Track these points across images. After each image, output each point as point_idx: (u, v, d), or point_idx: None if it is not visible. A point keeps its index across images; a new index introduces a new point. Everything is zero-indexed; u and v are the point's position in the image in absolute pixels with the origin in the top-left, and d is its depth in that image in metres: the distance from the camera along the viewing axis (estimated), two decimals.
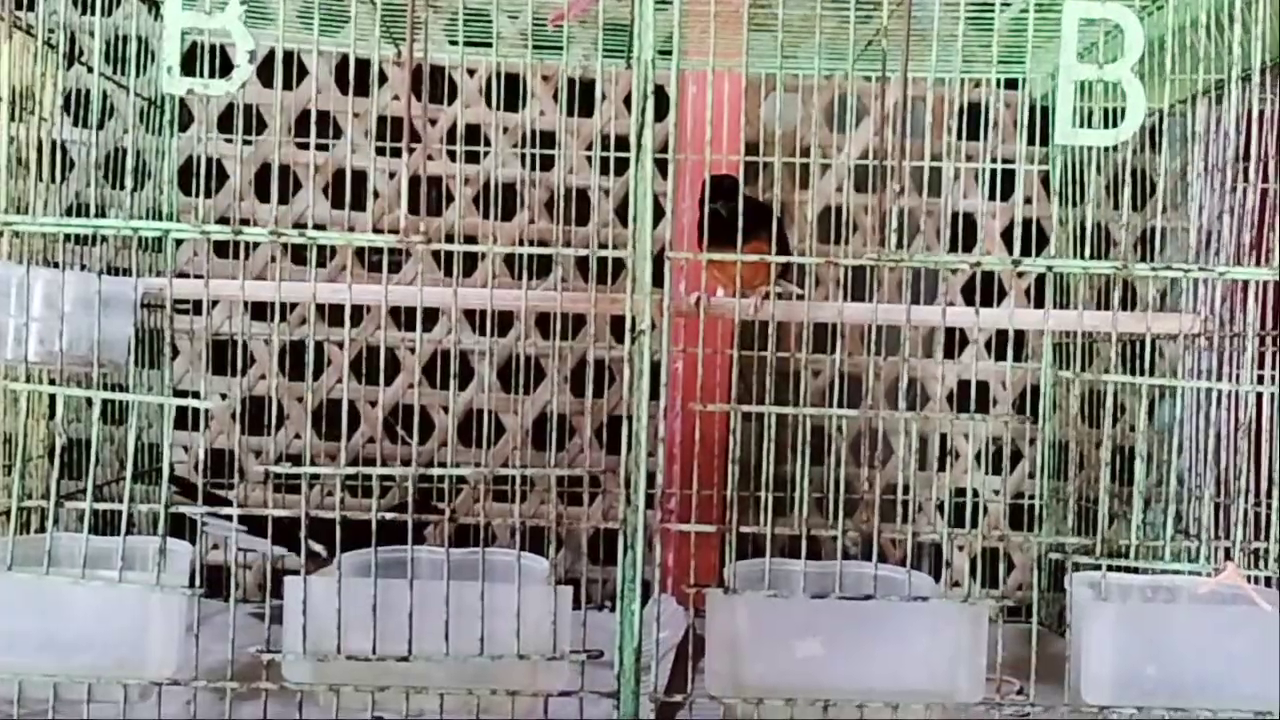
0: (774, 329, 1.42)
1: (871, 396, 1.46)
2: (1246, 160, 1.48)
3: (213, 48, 1.45)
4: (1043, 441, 1.97)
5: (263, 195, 2.08)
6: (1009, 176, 1.99)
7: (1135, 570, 1.41)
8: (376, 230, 1.40)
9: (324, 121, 2.08)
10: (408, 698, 1.31)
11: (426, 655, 1.28)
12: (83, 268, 1.58)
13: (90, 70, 1.72)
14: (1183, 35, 1.42)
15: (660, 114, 1.34)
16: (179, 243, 1.90)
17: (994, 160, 2.02)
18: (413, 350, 2.00)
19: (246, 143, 2.05)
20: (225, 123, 2.08)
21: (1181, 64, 1.45)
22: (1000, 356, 2.01)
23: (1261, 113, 1.49)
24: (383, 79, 2.07)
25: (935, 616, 1.34)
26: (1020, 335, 2.01)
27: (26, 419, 1.33)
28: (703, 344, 1.41)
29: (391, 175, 2.09)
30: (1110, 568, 1.36)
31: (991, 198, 2.07)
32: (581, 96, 2.01)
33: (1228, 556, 1.37)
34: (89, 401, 1.40)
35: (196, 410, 1.58)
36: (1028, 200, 1.99)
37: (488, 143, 2.09)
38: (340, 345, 2.08)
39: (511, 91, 2.03)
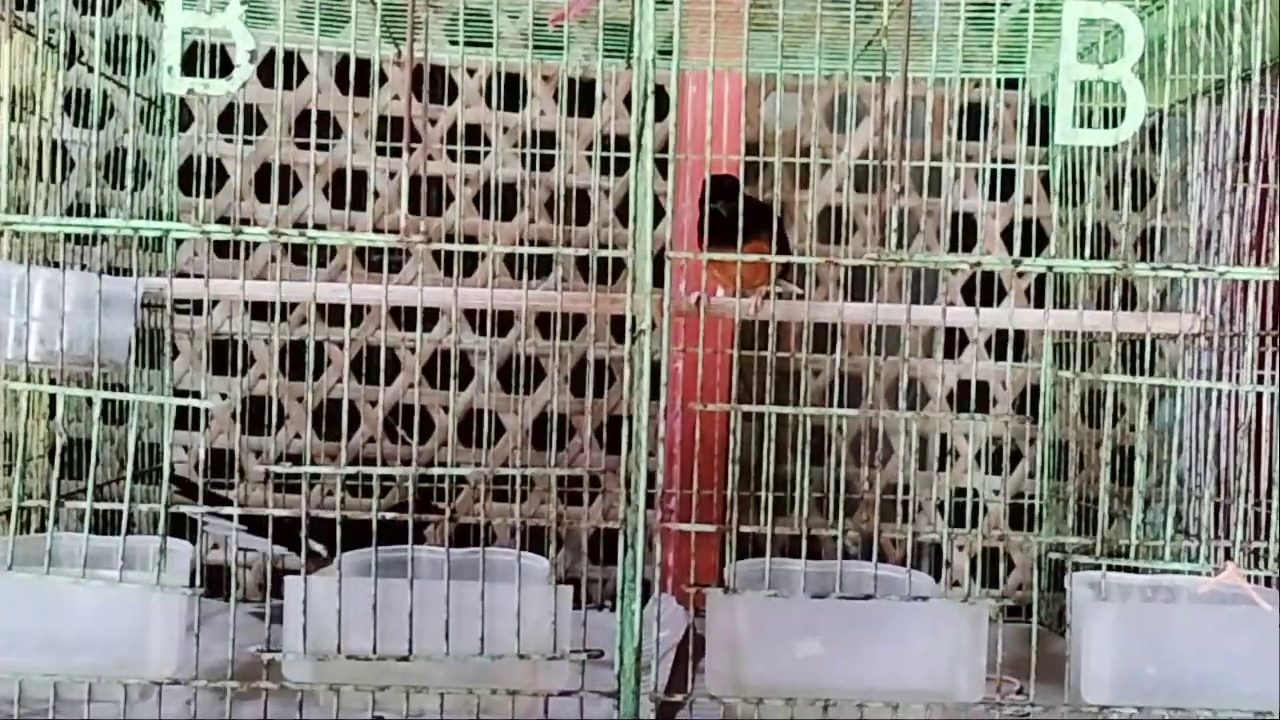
0: (774, 329, 1.42)
1: (871, 396, 1.46)
2: (1246, 160, 1.48)
3: (213, 47, 1.45)
4: (1043, 441, 1.97)
5: (263, 195, 2.08)
6: (1009, 176, 1.99)
7: (1135, 570, 1.41)
8: (377, 230, 1.40)
9: (324, 121, 2.08)
10: (408, 697, 1.31)
11: (427, 655, 1.28)
12: (83, 267, 1.58)
13: (90, 70, 1.72)
14: (1183, 35, 1.42)
15: (660, 114, 1.34)
16: (179, 242, 1.90)
17: (994, 160, 2.02)
18: (413, 350, 2.00)
19: (247, 142, 2.05)
20: (225, 122, 2.08)
21: (1181, 64, 1.45)
22: (1000, 356, 2.01)
23: (1261, 113, 1.49)
24: (383, 79, 2.07)
25: (935, 616, 1.34)
26: (1020, 335, 2.01)
27: (27, 419, 1.33)
28: (703, 344, 1.41)
29: (392, 175, 2.09)
30: (1110, 567, 1.36)
31: (991, 198, 2.07)
32: (582, 96, 2.01)
33: (1228, 556, 1.37)
34: (89, 401, 1.40)
35: (197, 410, 1.58)
36: (1028, 200, 1.99)
37: (488, 143, 2.09)
38: (340, 345, 2.08)
39: (512, 91, 2.03)
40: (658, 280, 1.30)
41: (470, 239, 2.07)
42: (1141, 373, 1.57)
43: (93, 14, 1.63)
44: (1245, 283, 1.42)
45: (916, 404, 2.10)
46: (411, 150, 1.32)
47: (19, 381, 1.32)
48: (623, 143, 1.93)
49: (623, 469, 1.30)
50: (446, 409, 2.01)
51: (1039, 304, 2.02)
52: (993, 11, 1.52)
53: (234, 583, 1.34)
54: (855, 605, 1.33)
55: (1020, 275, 2.10)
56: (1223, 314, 1.58)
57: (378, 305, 1.41)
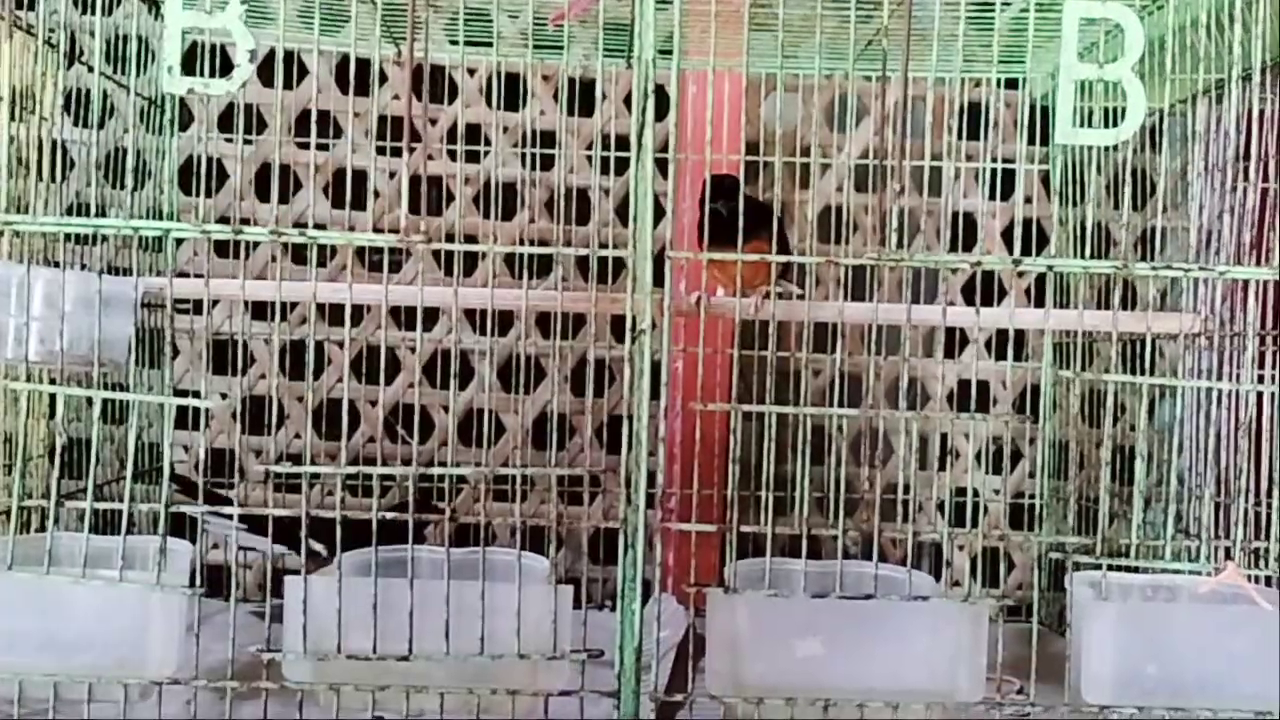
0: (774, 328, 1.42)
1: (872, 396, 1.46)
2: (1247, 160, 1.48)
3: (213, 47, 1.45)
4: (1043, 441, 1.97)
5: (263, 195, 2.08)
6: (1009, 176, 1.99)
7: (1135, 570, 1.41)
8: (377, 230, 1.40)
9: (324, 121, 2.08)
10: (408, 697, 1.31)
11: (427, 655, 1.28)
12: (83, 267, 1.58)
13: (90, 70, 1.72)
14: (1183, 35, 1.42)
15: (660, 114, 1.34)
16: (179, 242, 1.90)
17: (994, 160, 2.02)
18: (413, 350, 2.00)
19: (247, 142, 2.05)
20: (225, 122, 2.08)
21: (1182, 63, 1.45)
22: (1000, 356, 2.01)
23: (1262, 112, 1.49)
24: (383, 78, 2.07)
25: (935, 616, 1.34)
26: (1020, 335, 2.01)
27: (27, 418, 1.33)
28: (703, 343, 1.41)
29: (392, 175, 2.09)
30: (1110, 567, 1.36)
31: (992, 197, 2.07)
32: (582, 96, 2.01)
33: (1228, 556, 1.37)
34: (89, 401, 1.40)
35: (197, 410, 1.58)
36: (1028, 200, 1.99)
37: (488, 142, 2.09)
38: (340, 345, 2.08)
39: (512, 91, 2.02)
40: (658, 280, 1.30)
41: (470, 239, 2.07)
42: (1142, 372, 1.57)
43: (93, 13, 1.63)
44: (1245, 282, 1.42)
45: (917, 404, 2.10)
46: (411, 150, 1.32)
47: (19, 381, 1.32)
48: (623, 142, 1.93)
49: (623, 469, 1.30)
50: (447, 409, 2.01)
51: (1039, 304, 2.02)
52: (993, 11, 1.52)
53: (234, 582, 1.34)
54: (855, 605, 1.33)
55: (1020, 275, 2.10)
56: (1223, 314, 1.58)
57: (378, 305, 1.41)
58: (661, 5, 1.29)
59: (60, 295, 1.34)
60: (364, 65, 1.96)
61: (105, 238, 1.55)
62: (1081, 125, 1.25)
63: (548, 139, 2.05)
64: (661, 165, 1.76)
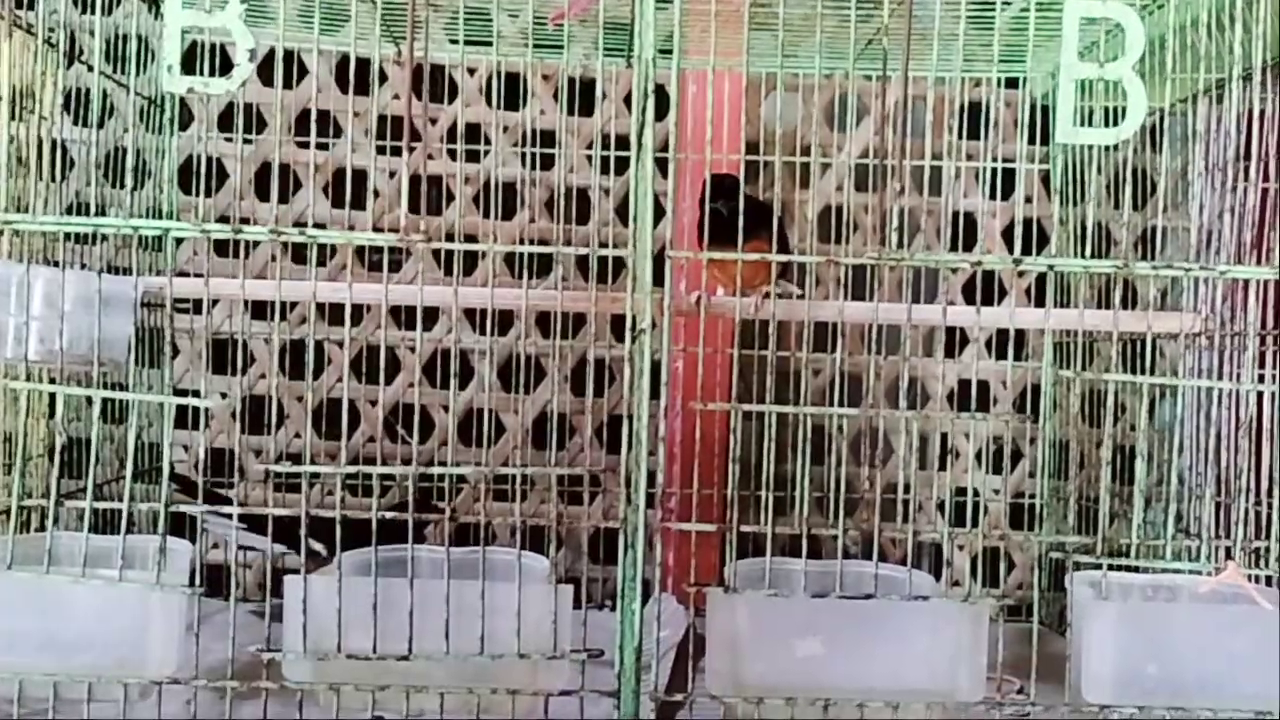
0: (774, 328, 1.42)
1: (872, 396, 1.46)
2: (1247, 159, 1.48)
3: (213, 46, 1.45)
4: (1043, 441, 1.97)
5: (263, 194, 2.08)
6: (1009, 176, 1.99)
7: (1136, 569, 1.41)
8: (377, 229, 1.40)
9: (324, 120, 2.08)
10: (408, 697, 1.31)
11: (427, 654, 1.28)
12: (83, 266, 1.58)
13: (90, 69, 1.72)
14: (1184, 34, 1.42)
15: (660, 113, 1.34)
16: (179, 241, 1.90)
17: (994, 159, 2.02)
18: (413, 349, 2.00)
19: (247, 142, 2.05)
20: (225, 122, 2.08)
21: (1182, 63, 1.45)
22: (1001, 356, 2.01)
23: (1262, 112, 1.49)
24: (383, 78, 2.07)
25: (936, 616, 1.34)
26: (1021, 334, 2.01)
27: (26, 418, 1.33)
28: (703, 343, 1.41)
29: (392, 174, 2.09)
30: (1111, 567, 1.36)
31: (992, 197, 2.07)
32: (582, 96, 2.01)
33: (1228, 556, 1.37)
34: (89, 400, 1.40)
35: (196, 409, 1.58)
36: (1028, 199, 1.99)
37: (488, 142, 2.09)
38: (340, 344, 2.08)
39: (512, 90, 2.02)
40: (658, 279, 1.29)
41: (470, 238, 2.07)
42: (1142, 372, 1.57)
43: (92, 13, 1.63)
44: (1246, 282, 1.42)
45: (917, 403, 2.10)
46: (411, 149, 1.32)
47: (19, 380, 1.32)
48: (623, 142, 1.93)
49: (623, 468, 1.30)
50: (446, 408, 2.01)
51: (1039, 303, 2.02)
52: (993, 10, 1.52)
53: (234, 582, 1.34)
54: (856, 605, 1.33)
55: (1021, 274, 2.10)
56: (1223, 313, 1.57)
57: (378, 304, 1.41)
58: (661, 5, 1.29)
59: (60, 294, 1.34)
60: (364, 65, 1.96)
61: (105, 237, 1.55)
62: (1082, 125, 1.25)
63: (548, 138, 2.05)
64: (661, 165, 1.76)
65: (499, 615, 1.29)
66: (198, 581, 1.37)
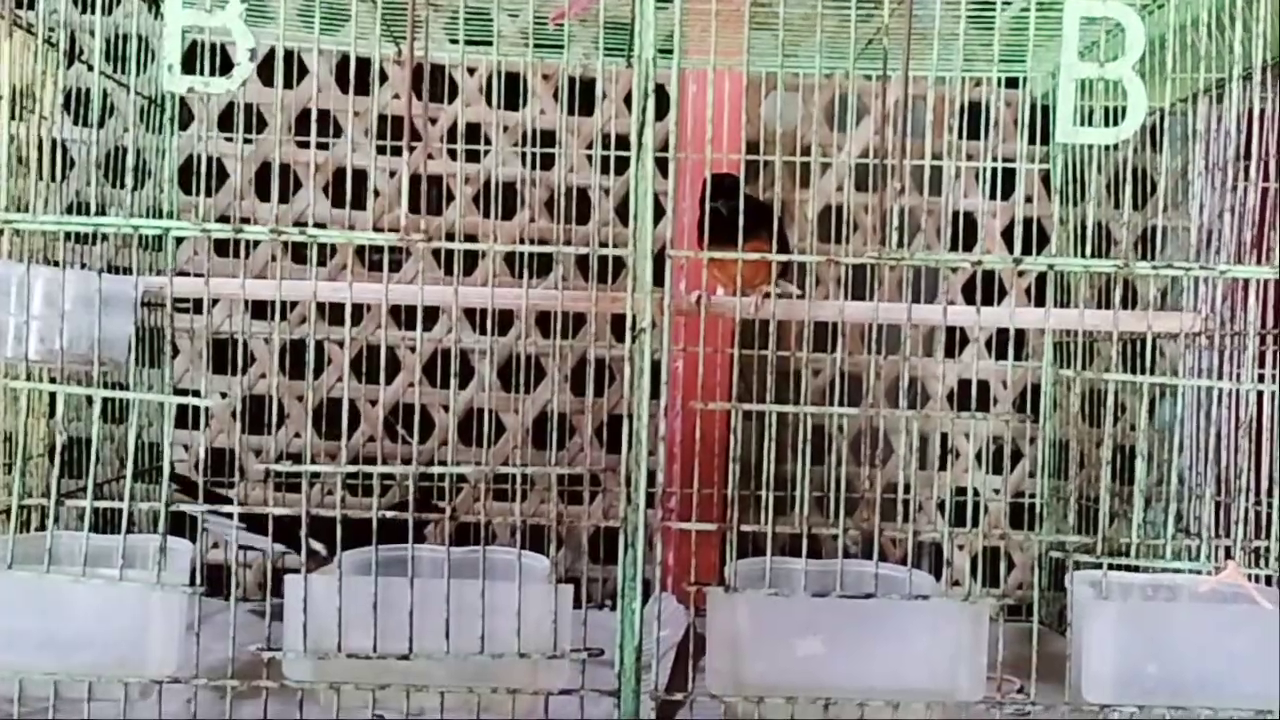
0: (774, 328, 1.42)
1: (872, 395, 1.46)
2: (1247, 159, 1.48)
3: (213, 46, 1.45)
4: (1043, 440, 1.97)
5: (263, 194, 2.08)
6: (1010, 175, 1.99)
7: (1136, 569, 1.41)
8: (377, 229, 1.40)
9: (324, 120, 2.08)
10: (408, 696, 1.31)
11: (427, 653, 1.28)
12: (83, 266, 1.58)
13: (90, 68, 1.72)
14: (1184, 34, 1.42)
15: (661, 113, 1.34)
16: (179, 241, 1.90)
17: (995, 159, 2.02)
18: (413, 349, 2.00)
19: (247, 141, 2.05)
20: (225, 121, 2.08)
21: (1182, 63, 1.45)
22: (1001, 355, 2.01)
23: (1262, 111, 1.49)
24: (383, 78, 2.07)
25: (936, 615, 1.34)
26: (1021, 334, 2.01)
27: (27, 417, 1.33)
28: (703, 343, 1.41)
29: (392, 174, 2.09)
30: (1111, 566, 1.36)
31: (992, 197, 2.07)
32: (582, 95, 2.01)
33: (1228, 555, 1.37)
34: (89, 400, 1.40)
35: (197, 409, 1.58)
36: (1028, 199, 1.99)
37: (488, 141, 2.09)
38: (340, 344, 2.08)
39: (512, 90, 2.02)
40: (658, 279, 1.29)
41: (470, 238, 2.07)
42: (1142, 372, 1.57)
43: (93, 12, 1.63)
44: (1246, 281, 1.42)
45: (917, 403, 2.10)
46: (412, 149, 1.32)
47: (19, 380, 1.32)
48: (623, 141, 1.93)
49: (623, 468, 1.30)
50: (447, 408, 2.01)
51: (1039, 303, 2.02)
52: (993, 10, 1.52)
53: (234, 581, 1.34)
54: (856, 604, 1.33)
55: (1021, 274, 2.10)
56: (1223, 313, 1.57)
57: (378, 304, 1.41)
58: (662, 4, 1.29)
59: (60, 294, 1.34)
60: (364, 64, 1.96)
61: (105, 237, 1.55)
62: (1082, 124, 1.25)
63: (548, 138, 2.05)
64: (661, 164, 1.76)
65: (499, 615, 1.29)
66: (198, 581, 1.37)
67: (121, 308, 1.38)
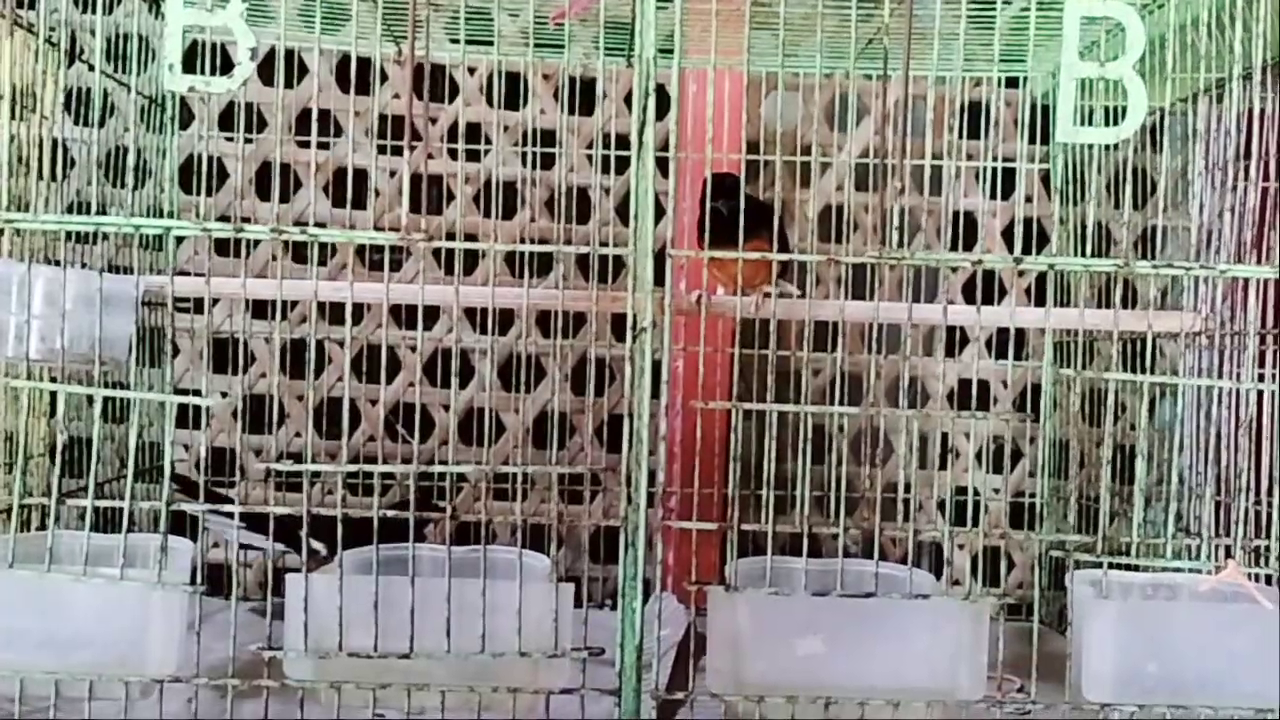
0: (775, 327, 1.42)
1: (872, 395, 1.46)
2: (1247, 159, 1.49)
3: (214, 45, 1.45)
4: (1043, 440, 1.97)
5: (263, 194, 2.08)
6: (1010, 175, 1.99)
7: (1136, 568, 1.41)
8: (377, 228, 1.40)
9: (325, 120, 2.08)
10: (409, 695, 1.31)
11: (428, 653, 1.28)
12: (84, 265, 1.58)
13: (91, 68, 1.72)
14: (1184, 34, 1.42)
15: (661, 112, 1.34)
16: (180, 241, 1.90)
17: (995, 159, 2.02)
18: (413, 348, 2.00)
19: (247, 141, 2.06)
20: (226, 121, 2.08)
21: (1183, 62, 1.45)
22: (1001, 355, 2.01)
23: (1262, 111, 1.49)
24: (383, 77, 2.07)
25: (936, 614, 1.34)
26: (1021, 334, 2.01)
27: (27, 416, 1.33)
28: (704, 342, 1.41)
29: (392, 173, 2.09)
30: (1111, 566, 1.36)
31: (992, 196, 2.07)
32: (582, 95, 2.01)
33: (1228, 554, 1.37)
34: (90, 399, 1.40)
35: (197, 408, 1.58)
36: (1028, 199, 1.99)
37: (488, 141, 2.09)
38: (341, 343, 2.08)
39: (512, 90, 2.03)
40: (658, 279, 1.30)
41: (471, 237, 2.07)
42: (1142, 371, 1.57)
43: (93, 12, 1.63)
44: (1246, 281, 1.42)
45: (917, 402, 2.10)
46: (412, 149, 1.32)
47: (20, 379, 1.32)
48: (623, 141, 1.93)
49: (623, 467, 1.30)
50: (447, 407, 2.01)
51: (1039, 302, 2.02)
52: (994, 10, 1.52)
53: (235, 581, 1.34)
54: (856, 603, 1.33)
55: (1021, 274, 2.10)
56: (1223, 312, 1.58)
57: (378, 304, 1.41)
58: (662, 4, 1.29)
59: (61, 293, 1.34)
60: (364, 64, 1.96)
61: (106, 236, 1.55)
62: (1082, 124, 1.25)
63: (548, 138, 2.05)
64: (662, 164, 1.76)
65: (500, 614, 1.29)
66: (199, 580, 1.37)
67: (122, 307, 1.38)
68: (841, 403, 1.42)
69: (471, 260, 2.07)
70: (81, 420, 1.59)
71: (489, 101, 2.10)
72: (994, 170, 2.01)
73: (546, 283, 1.94)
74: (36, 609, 1.33)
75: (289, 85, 2.04)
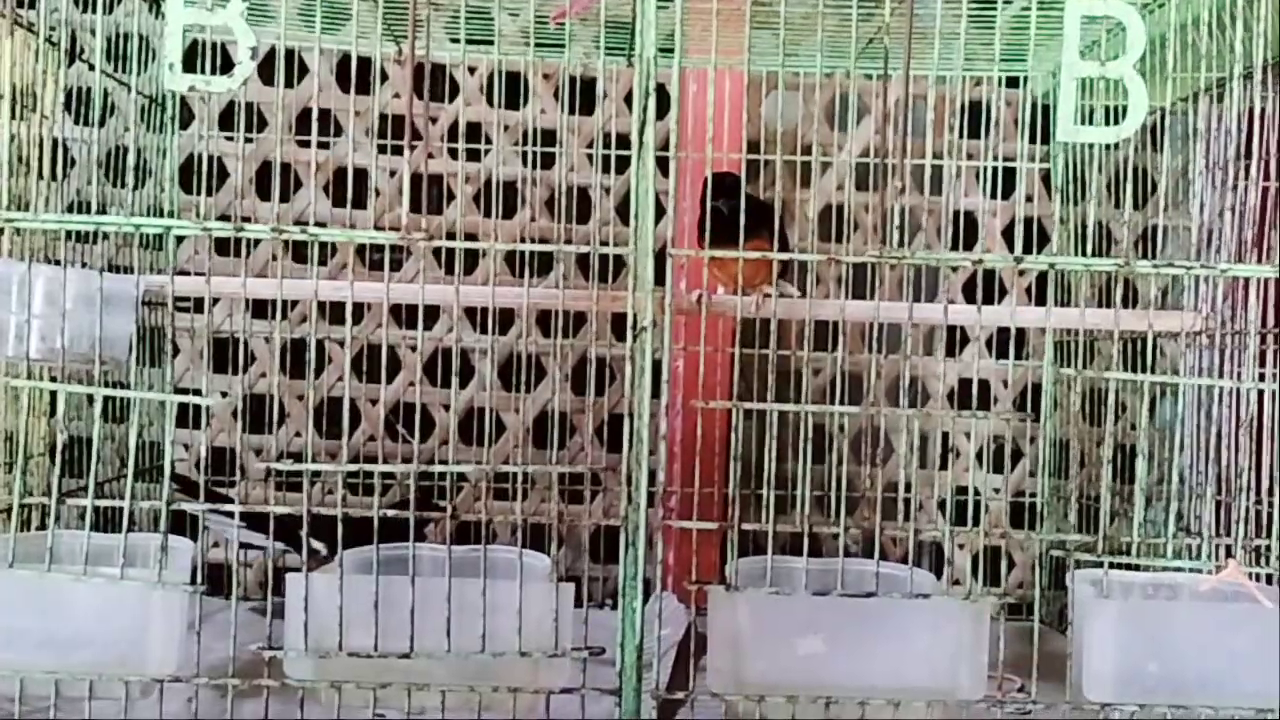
0: (775, 327, 1.42)
1: (873, 394, 1.46)
2: (1248, 158, 1.49)
3: (214, 45, 1.45)
4: (1044, 439, 1.97)
5: (264, 193, 2.08)
6: (1010, 174, 1.99)
7: (1137, 568, 1.41)
8: (378, 228, 1.40)
9: (325, 119, 2.08)
10: (409, 695, 1.31)
11: (428, 652, 1.28)
12: (84, 265, 1.58)
13: (91, 68, 1.72)
14: (1184, 33, 1.42)
15: (661, 112, 1.35)
16: (180, 240, 1.90)
17: (995, 158, 2.02)
18: (414, 348, 2.00)
19: (247, 140, 2.05)
20: (226, 120, 2.08)
21: (1183, 62, 1.45)
22: (1001, 354, 2.01)
23: (1263, 111, 1.49)
24: (384, 77, 2.07)
25: (937, 614, 1.34)
26: (1021, 333, 2.01)
27: (28, 416, 1.33)
28: (704, 342, 1.41)
29: (392, 173, 2.09)
30: (1112, 565, 1.36)
31: (993, 196, 2.07)
32: (582, 94, 2.01)
33: (1229, 554, 1.37)
34: (90, 399, 1.40)
35: (197, 408, 1.58)
36: (1029, 198, 1.99)
37: (489, 140, 2.09)
38: (341, 343, 2.08)
39: (512, 89, 2.03)
40: (659, 278, 1.30)
41: (471, 237, 2.07)
42: (1143, 371, 1.56)
43: (93, 11, 1.63)
44: (1246, 280, 1.42)
45: (917, 402, 2.10)
46: (412, 148, 1.32)
47: (20, 379, 1.32)
48: (624, 141, 1.93)
49: (624, 467, 1.30)
50: (447, 407, 2.01)
51: (1040, 302, 2.02)
52: (994, 9, 1.52)
53: (235, 580, 1.34)
54: (857, 603, 1.33)
55: (1021, 273, 2.10)
56: (1224, 312, 1.58)
57: (378, 303, 1.41)
58: (662, 4, 1.29)
59: (61, 293, 1.34)
60: (365, 63, 1.96)
61: (106, 235, 1.55)
62: (1083, 123, 1.25)
63: (548, 137, 2.05)
64: (662, 163, 1.76)
65: (500, 613, 1.29)
66: (199, 580, 1.37)
67: (122, 307, 1.38)
68: (842, 402, 1.42)
69: (472, 260, 2.07)
70: (81, 420, 1.59)
71: (489, 101, 2.10)
72: (994, 170, 2.01)
73: (547, 282, 1.94)
74: (36, 609, 1.33)
75: (289, 85, 2.04)
